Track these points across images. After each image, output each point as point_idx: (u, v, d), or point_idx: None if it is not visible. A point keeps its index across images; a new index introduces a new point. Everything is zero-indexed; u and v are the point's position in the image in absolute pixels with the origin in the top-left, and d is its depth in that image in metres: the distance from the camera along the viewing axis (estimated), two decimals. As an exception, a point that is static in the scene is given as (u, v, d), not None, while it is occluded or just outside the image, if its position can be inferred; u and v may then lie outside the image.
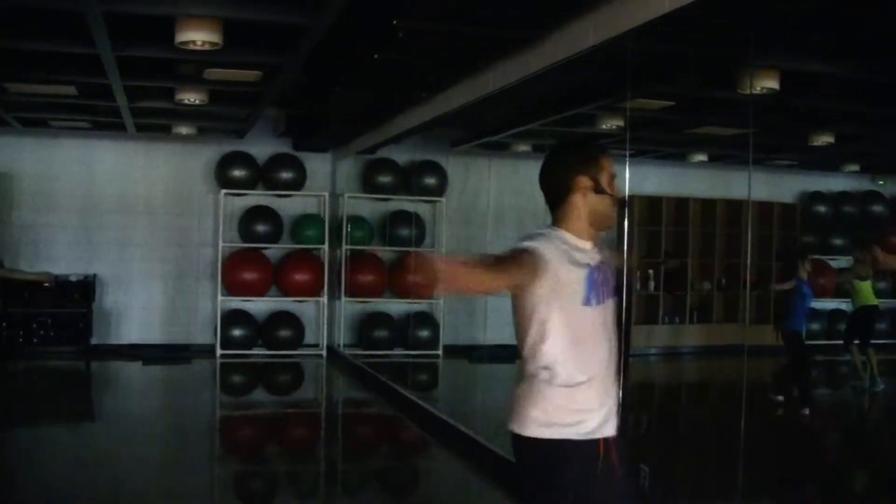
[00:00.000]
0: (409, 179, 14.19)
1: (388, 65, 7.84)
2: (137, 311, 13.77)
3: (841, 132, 11.12)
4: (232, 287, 13.53)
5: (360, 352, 13.59)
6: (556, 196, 3.50)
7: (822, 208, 16.02)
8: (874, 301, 11.91)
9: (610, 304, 3.50)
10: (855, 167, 15.24)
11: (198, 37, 6.55)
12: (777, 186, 15.80)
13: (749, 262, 10.74)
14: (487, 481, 7.42)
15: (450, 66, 7.92)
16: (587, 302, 3.37)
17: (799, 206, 16.03)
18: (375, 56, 7.14)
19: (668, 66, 7.56)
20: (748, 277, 10.61)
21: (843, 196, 15.87)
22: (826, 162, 13.73)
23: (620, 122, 10.40)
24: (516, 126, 11.27)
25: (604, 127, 10.48)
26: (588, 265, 3.40)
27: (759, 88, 7.84)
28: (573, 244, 3.42)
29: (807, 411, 10.02)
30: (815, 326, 15.51)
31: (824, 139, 11.27)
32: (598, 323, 3.42)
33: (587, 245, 3.45)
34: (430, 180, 14.16)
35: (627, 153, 7.30)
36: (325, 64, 8.12)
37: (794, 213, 15.91)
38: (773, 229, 15.53)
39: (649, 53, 6.88)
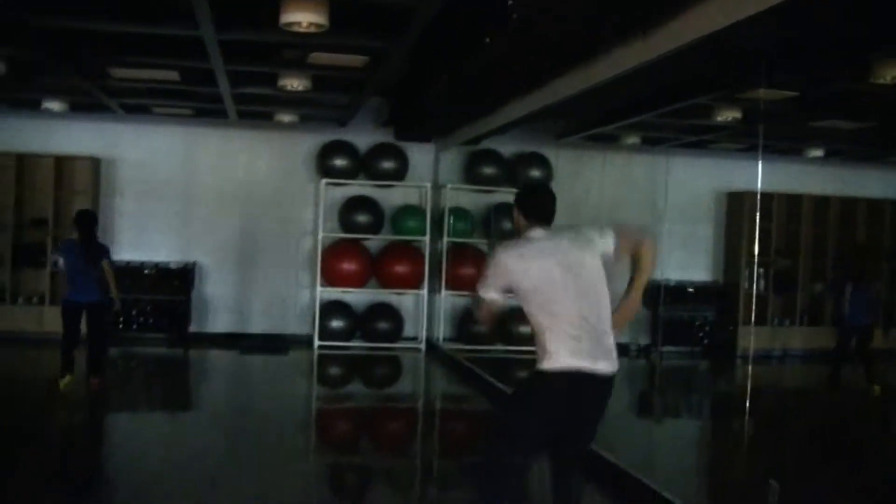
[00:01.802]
0: (514, 171, 13.88)
1: (498, 51, 7.57)
2: (235, 299, 13.74)
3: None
4: (331, 278, 13.39)
5: (459, 346, 13.35)
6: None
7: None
8: None
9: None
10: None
11: (303, 18, 6.34)
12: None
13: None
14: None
15: (562, 52, 7.59)
16: None
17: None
18: (487, 41, 6.84)
19: (794, 53, 7.15)
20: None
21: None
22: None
23: (737, 114, 9.98)
24: (627, 117, 10.90)
25: (719, 119, 10.06)
26: None
27: (889, 78, 7.39)
28: None
29: None
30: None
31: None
32: None
33: None
34: (536, 172, 13.83)
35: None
36: (431, 50, 7.86)
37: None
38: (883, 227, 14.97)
39: (774, 40, 6.49)
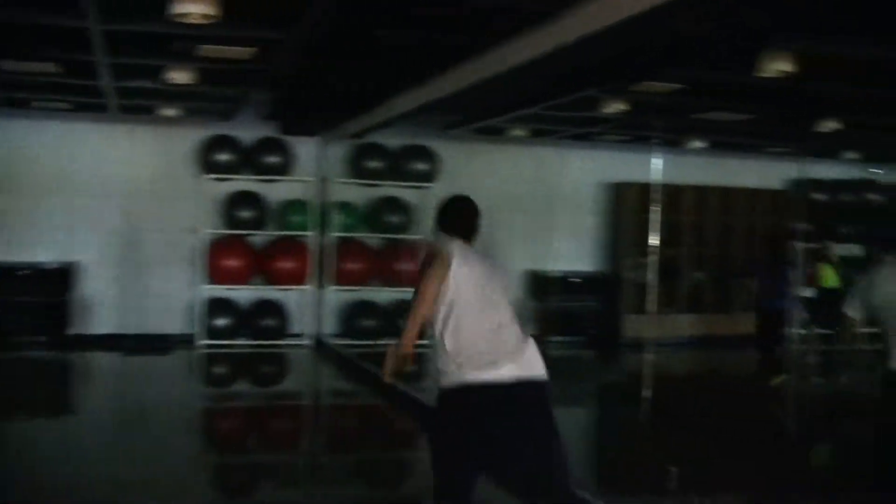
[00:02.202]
0: (400, 165, 13.81)
1: (389, 43, 7.52)
2: (118, 299, 13.31)
3: (847, 118, 10.85)
4: (215, 275, 13.12)
5: (347, 341, 13.23)
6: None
7: (815, 195, 15.83)
8: (831, 284, 12.60)
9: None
10: (854, 155, 15.04)
11: (195, 8, 6.13)
12: (771, 173, 15.66)
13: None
14: None
15: (452, 46, 7.56)
16: None
17: (793, 194, 15.84)
18: (377, 33, 6.76)
19: (683, 47, 7.25)
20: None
21: (839, 183, 15.68)
22: (826, 149, 13.49)
23: (625, 107, 10.11)
24: (514, 110, 10.94)
25: (607, 111, 10.17)
26: None
27: (774, 72, 7.55)
28: None
29: None
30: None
31: (829, 125, 10.99)
32: None
33: None
34: (421, 165, 13.81)
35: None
36: (321, 42, 7.70)
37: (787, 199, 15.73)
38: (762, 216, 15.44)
39: (663, 35, 6.57)
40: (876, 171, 16.34)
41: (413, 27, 6.99)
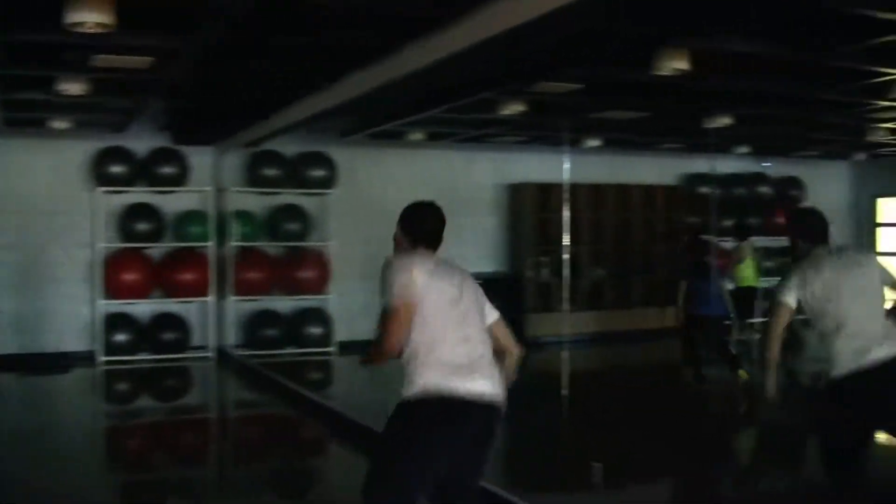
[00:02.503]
0: (297, 172, 13.73)
1: (285, 51, 7.49)
2: (13, 318, 12.92)
3: (738, 114, 11.13)
4: (113, 289, 12.87)
5: (250, 352, 13.12)
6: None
7: (707, 190, 16.21)
8: (753, 282, 12.42)
9: None
10: (745, 149, 15.44)
11: (90, 17, 5.99)
12: (664, 169, 16.01)
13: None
14: None
15: (351, 52, 7.57)
16: None
17: (684, 189, 16.24)
18: (274, 41, 6.72)
19: (580, 48, 7.36)
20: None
21: (730, 178, 16.08)
22: (718, 145, 13.80)
23: (522, 108, 10.21)
24: (411, 115, 10.96)
25: (505, 112, 10.25)
26: None
27: (669, 70, 7.70)
28: None
29: None
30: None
31: (721, 121, 11.24)
32: None
33: None
34: (319, 172, 13.75)
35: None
36: (218, 51, 7.61)
37: (680, 195, 16.11)
38: (657, 212, 15.75)
39: (560, 35, 6.65)
40: (766, 164, 16.82)
41: (309, 35, 6.96)
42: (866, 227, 17.47)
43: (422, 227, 4.49)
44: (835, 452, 5.11)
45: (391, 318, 4.21)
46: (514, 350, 4.63)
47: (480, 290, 4.52)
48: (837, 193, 17.91)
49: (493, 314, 4.57)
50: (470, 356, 4.27)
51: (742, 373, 10.31)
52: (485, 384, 4.27)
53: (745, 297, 12.14)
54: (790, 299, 5.08)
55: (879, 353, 4.89)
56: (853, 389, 4.90)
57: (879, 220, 17.73)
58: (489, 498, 6.12)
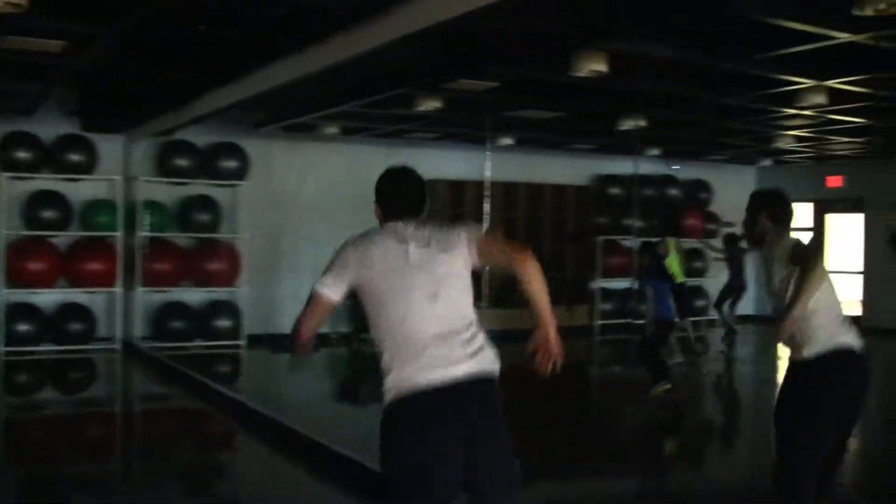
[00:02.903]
0: (209, 163, 13.57)
1: (204, 40, 7.40)
2: None
3: (650, 116, 11.30)
4: (16, 278, 12.60)
5: (157, 344, 12.94)
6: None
7: (616, 190, 16.46)
8: (681, 278, 12.46)
9: None
10: (656, 151, 15.70)
11: (-1, -2, 5.87)
12: (576, 169, 16.20)
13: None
14: (293, 462, 7.70)
15: (269, 42, 7.52)
16: None
17: (594, 189, 16.47)
18: (200, 28, 6.64)
19: (500, 46, 7.42)
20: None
21: (640, 180, 16.32)
22: (630, 146, 14.02)
23: (439, 104, 10.23)
24: (326, 108, 10.92)
25: (422, 108, 10.26)
26: None
27: (585, 71, 7.80)
28: None
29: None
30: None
31: (633, 123, 11.40)
32: None
33: None
34: (231, 164, 13.62)
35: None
36: (137, 38, 7.50)
37: (590, 195, 16.33)
38: (568, 211, 15.94)
39: (481, 34, 6.71)
40: (675, 167, 17.12)
41: (230, 25, 6.90)
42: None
43: (394, 198, 3.96)
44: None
45: (306, 303, 3.77)
46: (518, 262, 3.72)
47: (457, 232, 3.82)
48: (744, 197, 18.22)
49: (464, 235, 3.81)
50: (445, 336, 3.64)
51: (661, 390, 9.84)
52: (469, 364, 3.64)
53: (675, 294, 11.98)
54: None
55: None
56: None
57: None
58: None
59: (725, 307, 14.74)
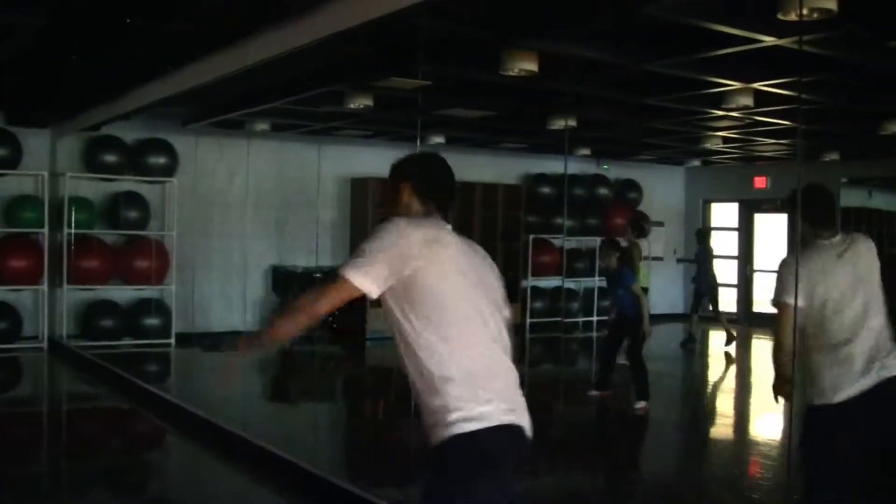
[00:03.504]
0: (137, 159, 13.42)
1: (131, 34, 7.32)
2: None
3: (580, 116, 11.41)
4: (-62, 276, 12.33)
5: (85, 343, 12.77)
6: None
7: (546, 189, 16.58)
8: (646, 282, 12.28)
9: None
10: (586, 151, 15.84)
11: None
12: (505, 169, 16.29)
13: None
14: (222, 460, 7.73)
15: (198, 38, 7.46)
16: None
17: (524, 188, 16.57)
18: (129, 20, 6.56)
19: (432, 44, 7.44)
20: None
21: (570, 179, 16.46)
22: (559, 146, 14.12)
23: (369, 102, 10.23)
24: (255, 105, 10.87)
25: (352, 106, 10.26)
26: None
27: (516, 70, 7.85)
28: None
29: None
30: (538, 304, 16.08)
31: (563, 122, 11.49)
32: None
33: None
34: (159, 160, 13.47)
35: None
36: (63, 29, 7.39)
37: (520, 194, 16.43)
38: (497, 210, 16.03)
39: (413, 32, 6.73)
40: (605, 166, 17.31)
41: (160, 18, 6.82)
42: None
43: (439, 184, 3.32)
44: None
45: (319, 288, 3.07)
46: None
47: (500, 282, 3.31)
48: (673, 197, 18.60)
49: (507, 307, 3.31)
50: (507, 365, 3.15)
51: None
52: (523, 412, 3.12)
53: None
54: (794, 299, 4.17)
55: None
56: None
57: (713, 224, 18.47)
58: (337, 494, 6.16)
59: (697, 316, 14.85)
